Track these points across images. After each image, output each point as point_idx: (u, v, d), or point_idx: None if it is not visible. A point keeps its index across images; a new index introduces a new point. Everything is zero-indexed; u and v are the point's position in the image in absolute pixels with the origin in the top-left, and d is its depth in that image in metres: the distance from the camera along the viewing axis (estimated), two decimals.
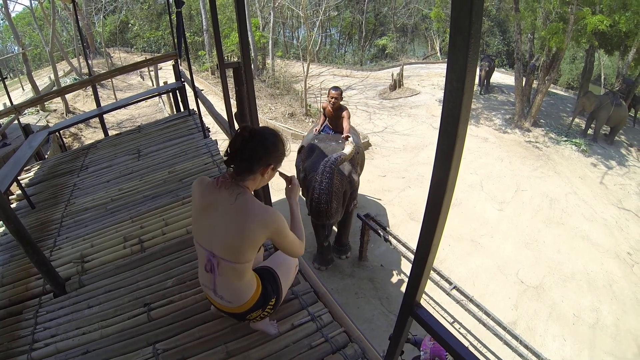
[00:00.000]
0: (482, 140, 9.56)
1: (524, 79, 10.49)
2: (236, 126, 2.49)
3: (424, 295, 4.60)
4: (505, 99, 12.60)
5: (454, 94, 0.64)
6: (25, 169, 4.18)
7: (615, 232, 6.62)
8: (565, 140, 9.71)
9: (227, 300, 1.43)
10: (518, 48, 10.34)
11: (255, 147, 1.27)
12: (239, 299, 1.43)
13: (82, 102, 11.94)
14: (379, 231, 4.76)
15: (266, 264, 1.64)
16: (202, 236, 1.37)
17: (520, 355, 3.52)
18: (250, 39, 12.48)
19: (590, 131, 10.23)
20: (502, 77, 14.97)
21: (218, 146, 3.77)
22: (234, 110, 2.35)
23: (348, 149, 3.82)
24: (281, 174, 1.48)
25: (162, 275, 2.14)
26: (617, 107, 9.45)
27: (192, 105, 4.63)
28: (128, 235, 2.58)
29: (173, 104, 5.67)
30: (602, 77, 15.02)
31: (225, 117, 2.89)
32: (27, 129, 4.57)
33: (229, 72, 2.27)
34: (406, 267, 5.02)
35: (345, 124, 4.48)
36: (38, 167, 4.33)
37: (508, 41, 18.81)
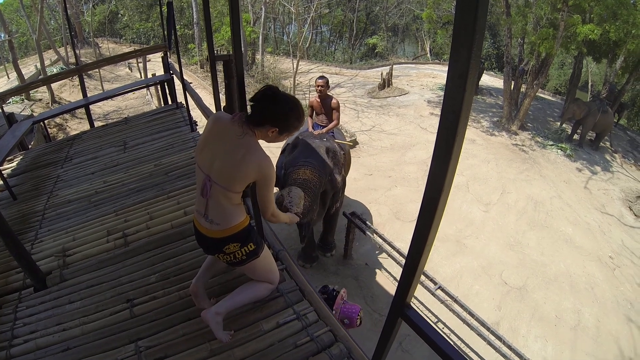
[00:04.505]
0: (469, 141, 9.65)
1: (513, 83, 10.63)
2: None
3: None
4: (494, 101, 12.76)
5: (455, 97, 0.63)
6: (7, 159, 4.08)
7: (597, 236, 6.76)
8: (552, 145, 9.89)
9: (216, 223, 1.50)
10: (508, 52, 10.47)
11: (269, 106, 1.40)
12: (226, 220, 1.50)
13: (69, 92, 11.69)
14: (365, 230, 4.76)
15: None
16: (204, 161, 1.47)
17: (503, 355, 3.57)
18: (240, 32, 12.37)
19: (576, 136, 10.45)
20: (490, 80, 15.18)
21: None
22: (223, 104, 2.32)
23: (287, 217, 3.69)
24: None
25: (146, 270, 2.10)
26: (603, 114, 9.67)
27: (180, 98, 4.55)
28: (112, 228, 2.53)
29: (161, 97, 5.59)
30: (590, 84, 15.34)
31: (214, 111, 2.84)
32: (10, 118, 4.45)
33: (219, 66, 2.24)
34: (390, 266, 5.02)
35: (335, 114, 4.46)
36: (21, 157, 4.22)
37: (498, 45, 19.07)
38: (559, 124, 10.96)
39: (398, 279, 4.01)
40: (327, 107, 4.58)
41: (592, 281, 5.64)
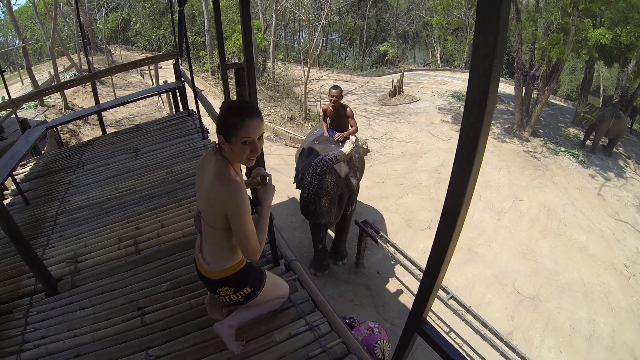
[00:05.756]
0: None
1: (524, 89, 10.51)
2: None
3: None
4: (505, 108, 12.63)
5: (475, 108, 0.61)
6: (21, 164, 4.13)
7: (612, 244, 6.61)
8: (564, 151, 9.74)
9: (207, 262, 1.47)
10: (519, 58, 10.38)
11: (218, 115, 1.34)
12: (217, 263, 1.45)
13: (81, 98, 11.88)
14: (377, 238, 4.72)
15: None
16: (197, 195, 1.48)
17: None
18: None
19: (588, 142, 10.27)
20: (501, 86, 15.03)
21: None
22: None
23: (347, 148, 3.76)
24: (256, 172, 1.50)
25: (157, 278, 2.09)
26: (616, 119, 9.50)
27: (192, 105, 4.58)
28: (123, 235, 2.53)
29: (172, 104, 5.63)
30: (601, 89, 15.12)
31: None
32: (24, 124, 4.51)
33: (230, 74, 2.24)
34: (402, 274, 4.96)
35: (352, 122, 4.47)
36: (34, 162, 4.28)
37: (508, 50, 18.90)
38: (572, 130, 10.78)
39: (410, 287, 3.97)
40: (341, 116, 4.61)
41: (606, 290, 5.51)
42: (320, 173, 3.53)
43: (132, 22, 20.82)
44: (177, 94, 5.03)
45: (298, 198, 6.24)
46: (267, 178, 1.49)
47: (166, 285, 2.01)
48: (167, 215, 2.70)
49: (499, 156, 9.19)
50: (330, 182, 3.76)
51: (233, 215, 1.30)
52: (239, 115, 1.27)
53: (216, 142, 1.38)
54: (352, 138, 4.13)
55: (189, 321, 1.79)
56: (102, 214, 2.89)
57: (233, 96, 2.66)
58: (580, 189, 8.26)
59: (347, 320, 2.45)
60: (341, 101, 4.60)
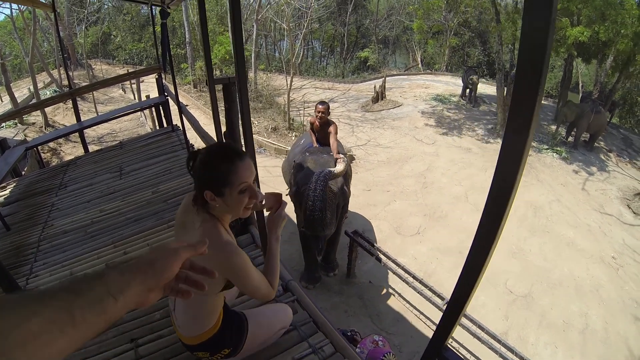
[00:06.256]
0: (465, 150, 9.68)
1: (505, 89, 10.72)
2: None
3: (414, 311, 4.56)
4: (487, 109, 12.85)
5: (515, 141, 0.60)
6: (0, 186, 3.99)
7: (599, 237, 6.75)
8: (547, 149, 9.94)
9: (179, 326, 1.35)
10: (499, 59, 10.59)
11: (194, 169, 1.14)
12: (190, 328, 1.32)
13: (62, 115, 11.63)
14: (370, 250, 4.70)
15: (243, 308, 1.53)
16: None
17: None
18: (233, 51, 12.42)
19: (570, 138, 10.51)
20: (482, 87, 15.33)
21: None
22: (224, 128, 2.28)
23: (340, 167, 3.81)
24: (268, 196, 1.28)
25: (150, 307, 2.01)
26: (596, 114, 9.75)
27: (175, 120, 4.51)
28: (110, 262, 2.45)
29: (156, 119, 5.54)
30: (580, 85, 15.54)
31: (214, 135, 2.80)
32: (3, 144, 4.39)
33: (218, 88, 2.20)
34: (394, 282, 4.94)
35: (332, 140, 4.39)
36: (14, 184, 4.14)
37: (488, 52, 19.31)
38: (554, 128, 11.02)
39: (403, 295, 3.93)
40: (325, 133, 4.59)
41: (596, 283, 5.61)
42: (324, 183, 3.57)
43: (112, 36, 20.59)
44: (161, 108, 4.95)
45: (287, 210, 6.20)
46: (280, 204, 1.25)
47: (160, 314, 1.93)
48: (155, 238, 2.62)
49: (484, 157, 9.32)
50: (330, 194, 3.80)
51: (237, 278, 1.13)
52: (229, 160, 1.08)
53: (196, 199, 1.16)
54: (342, 158, 4.14)
55: (186, 352, 1.72)
56: (87, 239, 2.80)
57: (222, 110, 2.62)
58: (565, 185, 8.43)
59: (349, 334, 2.42)
60: (328, 117, 4.58)
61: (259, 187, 1.66)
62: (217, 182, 1.08)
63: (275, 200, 1.27)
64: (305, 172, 4.00)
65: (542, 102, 11.87)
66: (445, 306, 3.91)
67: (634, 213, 7.79)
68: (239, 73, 1.64)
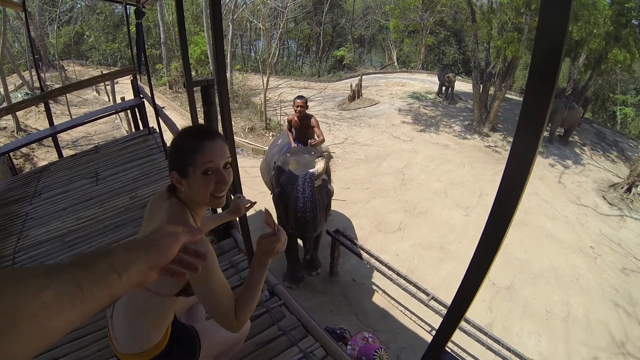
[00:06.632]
0: (443, 147, 9.82)
1: (481, 86, 10.95)
2: None
3: (399, 307, 4.59)
4: (464, 105, 13.08)
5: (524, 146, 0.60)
6: None
7: (576, 228, 6.98)
8: None
9: (116, 338, 1.10)
10: (475, 57, 10.80)
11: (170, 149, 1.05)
12: (130, 343, 1.08)
13: (34, 118, 11.17)
14: (350, 247, 4.70)
15: (195, 322, 1.33)
16: None
17: (503, 358, 3.57)
18: (209, 51, 12.19)
19: (545, 133, 10.82)
20: (459, 85, 15.62)
21: None
22: None
23: (320, 165, 3.78)
24: (239, 203, 1.19)
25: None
26: (570, 110, 10.08)
27: (152, 122, 4.39)
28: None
29: (131, 121, 5.38)
30: None
31: None
32: None
33: (196, 89, 2.14)
34: (378, 279, 4.94)
35: (318, 132, 4.47)
36: None
37: (464, 50, 19.68)
38: None
39: (387, 291, 3.92)
40: (306, 126, 4.61)
41: (576, 272, 5.79)
42: (311, 186, 3.52)
43: (85, 36, 19.93)
44: (137, 111, 4.81)
45: (264, 211, 6.13)
46: (275, 230, 0.96)
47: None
48: None
49: (462, 153, 9.48)
50: (318, 194, 3.77)
51: (193, 278, 0.91)
52: (198, 138, 0.98)
53: (169, 184, 1.07)
54: (319, 155, 4.16)
55: None
56: (64, 249, 2.68)
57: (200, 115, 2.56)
58: (542, 179, 8.67)
59: (338, 331, 2.41)
60: (306, 112, 4.59)
61: (239, 180, 1.59)
62: (181, 161, 0.98)
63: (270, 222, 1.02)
64: (289, 173, 3.95)
65: (517, 98, 12.27)
66: (430, 301, 3.96)
67: (609, 204, 8.09)
68: (219, 75, 1.58)
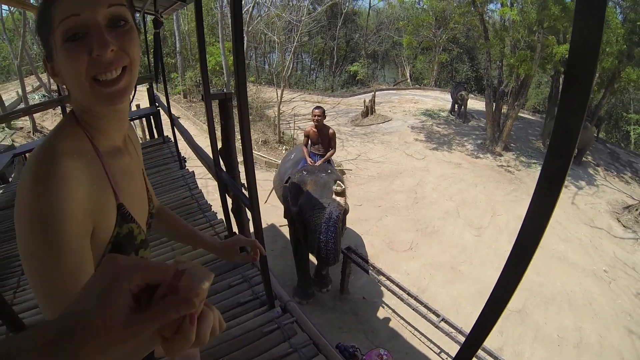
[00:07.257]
0: (455, 165, 9.77)
1: (494, 105, 10.91)
2: (222, 164, 2.22)
3: (409, 327, 4.52)
4: (476, 124, 13.03)
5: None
6: None
7: (590, 251, 6.82)
8: (535, 163, 10.10)
9: None
10: (488, 75, 10.80)
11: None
12: None
13: (51, 120, 11.45)
14: (362, 266, 4.66)
15: None
16: None
17: None
18: (223, 62, 12.35)
19: None
20: (472, 103, 15.61)
21: (195, 178, 3.60)
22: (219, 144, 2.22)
23: (341, 200, 3.78)
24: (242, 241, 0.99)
25: None
26: (583, 130, 9.86)
27: (167, 131, 4.44)
28: None
29: (146, 129, 5.45)
30: None
31: (209, 152, 2.72)
32: None
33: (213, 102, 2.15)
34: (389, 298, 4.89)
35: (332, 144, 4.64)
36: (1, 192, 4.03)
37: (476, 68, 19.69)
38: (541, 143, 11.20)
39: (397, 311, 3.86)
40: (324, 137, 4.69)
41: (589, 297, 5.65)
42: (336, 223, 3.61)
43: None
44: (152, 119, 4.88)
45: (278, 225, 6.15)
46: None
47: None
48: (151, 254, 2.53)
49: (474, 172, 9.41)
50: (338, 217, 3.83)
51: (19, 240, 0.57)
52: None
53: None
54: (334, 169, 4.23)
55: None
56: None
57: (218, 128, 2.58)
58: None
59: (350, 350, 2.38)
60: (324, 122, 4.69)
61: (256, 198, 1.54)
62: (44, 31, 0.60)
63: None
64: (307, 195, 3.96)
65: (530, 117, 12.20)
66: (440, 323, 3.90)
67: (624, 226, 7.90)
68: (239, 91, 1.50)
